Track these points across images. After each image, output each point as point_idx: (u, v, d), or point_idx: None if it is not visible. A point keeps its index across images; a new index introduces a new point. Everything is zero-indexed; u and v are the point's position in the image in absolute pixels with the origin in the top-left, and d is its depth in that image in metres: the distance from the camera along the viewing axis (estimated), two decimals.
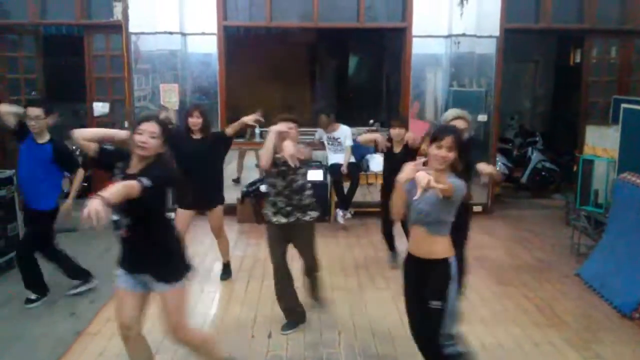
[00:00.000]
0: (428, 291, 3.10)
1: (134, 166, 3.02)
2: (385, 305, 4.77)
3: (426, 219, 3.04)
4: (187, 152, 5.02)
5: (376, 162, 7.62)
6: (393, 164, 5.12)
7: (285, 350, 4.06)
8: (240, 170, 8.49)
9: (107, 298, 4.90)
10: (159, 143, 3.02)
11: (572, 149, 8.82)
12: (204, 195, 5.09)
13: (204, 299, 4.99)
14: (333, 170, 7.33)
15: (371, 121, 9.23)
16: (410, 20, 7.72)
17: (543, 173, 9.39)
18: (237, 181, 8.34)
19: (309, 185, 4.30)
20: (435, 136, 3.04)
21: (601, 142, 6.63)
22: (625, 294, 4.72)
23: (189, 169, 5.10)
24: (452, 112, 4.46)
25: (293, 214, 4.19)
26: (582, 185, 6.48)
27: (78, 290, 5.05)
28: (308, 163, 4.29)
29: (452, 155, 3.00)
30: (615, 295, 4.84)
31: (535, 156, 9.48)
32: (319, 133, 7.70)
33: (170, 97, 7.55)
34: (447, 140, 2.98)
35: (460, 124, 4.21)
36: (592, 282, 5.23)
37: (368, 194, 7.93)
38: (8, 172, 5.72)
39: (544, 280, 5.45)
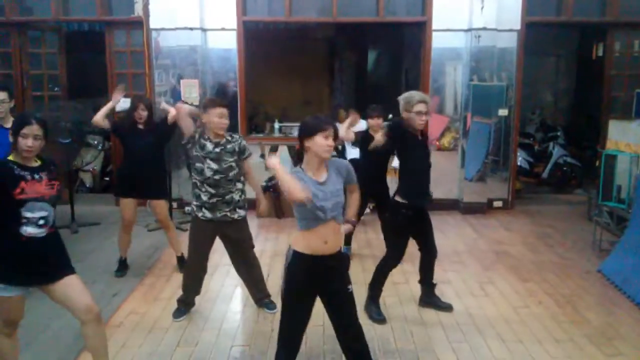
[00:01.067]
0: (341, 281, 3.17)
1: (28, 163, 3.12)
2: (404, 301, 4.77)
3: (340, 211, 3.06)
4: (133, 143, 5.25)
5: (395, 158, 7.59)
6: (372, 154, 5.07)
7: (305, 344, 4.07)
8: None
9: (130, 291, 4.97)
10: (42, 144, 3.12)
11: (594, 144, 8.71)
12: (148, 185, 5.33)
13: (225, 292, 5.03)
14: (352, 165, 7.32)
15: (390, 116, 9.19)
16: (430, 14, 7.67)
17: (564, 168, 9.29)
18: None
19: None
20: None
21: (624, 137, 6.54)
22: None
23: (135, 159, 5.28)
24: (415, 96, 4.35)
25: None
26: (604, 181, 6.40)
27: None
28: None
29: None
30: (637, 291, 4.78)
31: (556, 151, 9.39)
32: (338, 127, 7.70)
33: (190, 93, 7.60)
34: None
35: (422, 107, 4.23)
36: (614, 279, 5.17)
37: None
38: None
39: (566, 276, 5.40)
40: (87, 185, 9.05)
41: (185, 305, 4.51)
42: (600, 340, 4.11)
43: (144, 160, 5.27)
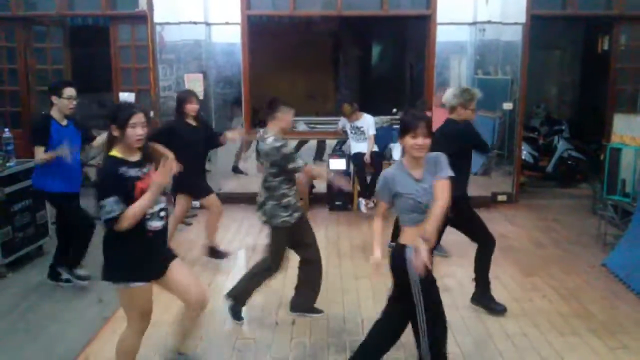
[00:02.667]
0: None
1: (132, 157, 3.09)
2: None
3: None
4: (187, 139, 5.21)
5: (399, 151, 7.58)
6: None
7: (309, 337, 4.10)
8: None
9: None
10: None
11: (599, 138, 8.68)
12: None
13: (229, 286, 5.04)
14: (356, 159, 7.34)
15: (394, 110, 9.19)
16: (434, 8, 7.64)
17: (569, 162, 9.26)
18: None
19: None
20: (408, 125, 3.05)
21: (629, 130, 6.51)
22: None
23: (190, 154, 5.24)
24: (477, 91, 4.46)
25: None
26: (609, 174, 6.38)
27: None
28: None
29: (428, 141, 3.04)
30: None
31: (561, 145, 9.35)
32: (342, 122, 7.71)
33: (195, 87, 7.60)
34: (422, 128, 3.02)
35: (473, 105, 4.32)
36: (619, 272, 5.17)
37: None
38: None
39: (570, 270, 5.39)
40: (92, 180, 9.06)
41: (242, 304, 4.41)
42: (605, 334, 4.11)
43: (199, 154, 5.32)
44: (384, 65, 12.92)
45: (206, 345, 3.98)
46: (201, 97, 7.54)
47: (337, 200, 7.53)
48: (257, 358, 3.79)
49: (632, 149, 6.21)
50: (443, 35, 7.71)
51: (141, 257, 3.06)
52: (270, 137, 4.11)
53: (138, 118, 3.00)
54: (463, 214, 4.34)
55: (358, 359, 3.40)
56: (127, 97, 7.81)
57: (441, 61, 7.81)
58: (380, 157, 7.42)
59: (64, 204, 4.93)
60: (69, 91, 4.74)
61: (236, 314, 4.32)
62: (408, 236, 3.11)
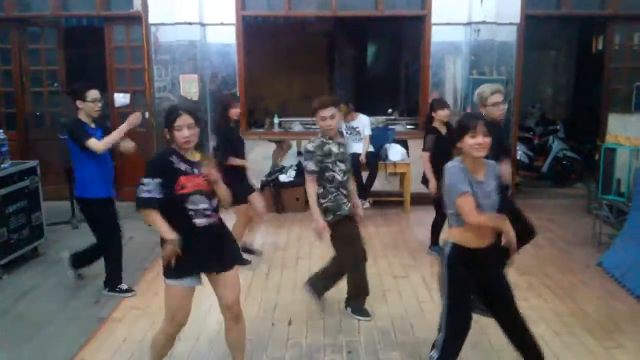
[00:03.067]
0: (496, 273, 3.28)
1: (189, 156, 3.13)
2: (404, 294, 4.78)
3: (493, 209, 3.12)
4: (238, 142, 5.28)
5: (394, 152, 7.60)
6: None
7: (305, 338, 4.10)
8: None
9: (131, 286, 4.97)
10: (198, 132, 3.12)
11: (594, 138, 8.71)
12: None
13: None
14: (351, 159, 7.33)
15: (390, 110, 9.20)
16: (429, 8, 7.66)
17: (564, 162, 9.29)
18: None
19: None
20: (466, 125, 3.06)
21: (624, 130, 6.54)
22: None
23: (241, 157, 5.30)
24: (488, 88, 4.40)
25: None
26: (604, 174, 6.40)
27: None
28: None
29: (488, 140, 3.04)
30: (637, 284, 4.78)
31: (556, 145, 9.38)
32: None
33: (190, 88, 7.60)
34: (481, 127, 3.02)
35: (498, 98, 4.26)
36: (614, 272, 5.18)
37: (387, 183, 7.94)
38: (32, 163, 5.81)
39: (565, 269, 5.41)
40: None
41: (363, 301, 4.44)
42: (600, 333, 4.12)
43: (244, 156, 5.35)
44: (379, 65, 12.92)
45: (202, 345, 3.97)
46: (196, 98, 7.55)
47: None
48: (253, 358, 3.78)
49: (627, 148, 6.23)
50: (438, 35, 7.72)
51: (189, 251, 3.07)
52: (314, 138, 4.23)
53: (183, 120, 3.02)
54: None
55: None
56: (122, 98, 7.79)
57: (436, 61, 7.83)
58: (376, 158, 7.42)
59: (108, 208, 4.82)
60: (93, 94, 4.64)
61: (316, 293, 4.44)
62: (455, 234, 3.15)
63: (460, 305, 3.22)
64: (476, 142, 3.01)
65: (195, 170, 3.10)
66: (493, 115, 4.27)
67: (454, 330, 3.25)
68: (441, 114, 5.63)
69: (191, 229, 3.06)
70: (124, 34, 7.85)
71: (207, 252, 3.13)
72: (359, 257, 4.34)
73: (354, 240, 4.32)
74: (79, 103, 4.61)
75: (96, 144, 4.52)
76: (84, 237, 6.42)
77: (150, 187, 2.96)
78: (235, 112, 5.28)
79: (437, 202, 5.57)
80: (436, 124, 5.66)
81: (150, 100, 7.66)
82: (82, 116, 4.64)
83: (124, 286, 4.88)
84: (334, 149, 4.15)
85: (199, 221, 3.08)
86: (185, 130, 3.02)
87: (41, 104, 8.04)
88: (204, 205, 3.09)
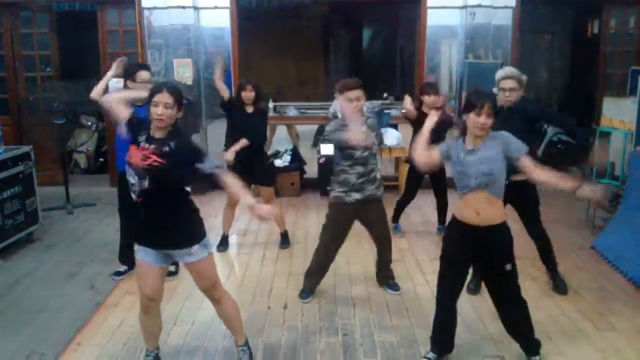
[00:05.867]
0: (498, 257, 3.26)
1: (155, 133, 3.07)
2: (399, 278, 4.80)
3: (490, 181, 3.10)
4: (242, 125, 5.21)
5: (390, 136, 7.60)
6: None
7: (301, 321, 4.12)
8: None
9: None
10: (174, 113, 3.04)
11: (589, 122, 8.72)
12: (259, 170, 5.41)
13: (220, 272, 5.04)
14: None
15: (385, 95, 9.18)
16: None
17: (559, 146, 9.28)
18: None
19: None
20: (474, 102, 3.06)
21: (618, 114, 6.55)
22: None
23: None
24: (501, 72, 4.37)
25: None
26: None
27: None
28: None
29: (491, 121, 3.05)
30: (630, 267, 4.82)
31: (551, 129, 9.37)
32: (333, 107, 7.61)
33: (183, 72, 7.55)
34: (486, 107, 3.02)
35: (507, 84, 4.21)
36: (607, 254, 5.21)
37: (382, 167, 7.93)
38: (25, 148, 5.78)
39: (559, 252, 5.40)
40: (82, 167, 9.02)
41: (311, 287, 4.51)
42: (594, 316, 4.16)
43: (253, 142, 5.27)
44: (374, 49, 12.86)
45: (197, 329, 3.99)
46: (190, 83, 7.51)
47: (328, 185, 7.52)
48: (249, 341, 3.80)
49: (622, 132, 6.24)
50: (433, 18, 7.67)
51: (134, 222, 3.17)
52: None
53: (161, 97, 2.98)
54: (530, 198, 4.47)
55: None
56: (115, 83, 7.71)
57: (432, 45, 7.78)
58: None
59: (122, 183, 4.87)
60: (144, 75, 4.61)
61: (304, 295, 4.47)
62: (455, 207, 3.23)
63: (445, 283, 3.36)
64: (479, 121, 3.02)
65: (146, 145, 3.01)
66: (498, 100, 4.25)
67: (438, 312, 3.40)
68: (426, 100, 5.57)
69: (132, 199, 3.11)
70: (117, 18, 7.78)
71: (142, 227, 3.14)
72: (334, 245, 4.42)
73: (336, 229, 4.38)
74: (129, 83, 4.58)
75: (93, 91, 4.66)
76: (79, 223, 6.45)
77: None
78: (246, 95, 5.26)
79: (412, 179, 5.79)
80: (425, 109, 5.52)
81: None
82: None
83: (121, 268, 4.90)
84: None
85: (132, 195, 3.10)
86: (160, 108, 2.96)
87: (35, 89, 7.98)
88: (132, 180, 3.05)
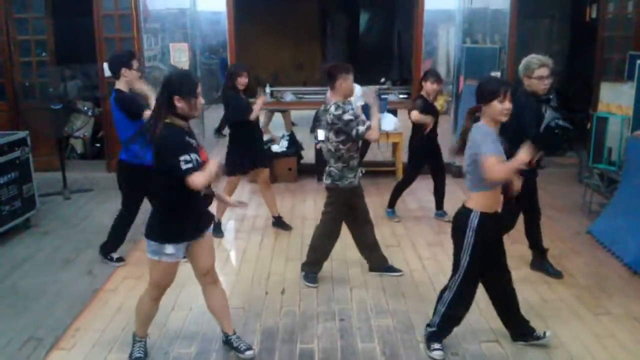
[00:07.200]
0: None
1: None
2: (396, 263, 4.81)
3: None
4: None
5: (387, 121, 7.58)
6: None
7: (298, 306, 4.15)
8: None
9: (124, 256, 4.99)
10: None
11: (586, 106, 8.70)
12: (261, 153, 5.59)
13: (218, 257, 5.06)
14: None
15: (382, 80, 9.15)
16: None
17: (556, 131, 9.27)
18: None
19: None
20: (496, 89, 3.08)
21: (616, 99, 6.53)
22: (637, 251, 4.73)
23: (248, 128, 5.30)
24: (533, 60, 4.38)
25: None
26: (595, 143, 6.42)
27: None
28: None
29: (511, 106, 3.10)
30: (626, 252, 4.85)
31: (548, 114, 9.34)
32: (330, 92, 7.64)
33: (180, 57, 7.51)
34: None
35: (545, 72, 4.29)
36: (604, 240, 5.24)
37: (379, 153, 7.93)
38: (22, 133, 5.76)
39: (555, 237, 5.45)
40: (78, 152, 8.99)
41: (315, 270, 4.54)
42: (589, 300, 4.19)
43: (255, 127, 5.34)
44: (371, 34, 12.80)
45: (195, 314, 4.01)
46: (186, 67, 7.47)
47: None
48: (246, 327, 3.83)
49: (619, 117, 6.24)
50: (431, 3, 7.63)
51: (188, 219, 3.18)
52: (331, 106, 4.20)
53: (199, 88, 3.06)
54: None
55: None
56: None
57: (429, 29, 7.75)
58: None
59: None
60: (137, 63, 4.62)
61: (309, 279, 4.48)
62: (479, 201, 3.21)
63: (475, 276, 3.33)
64: (505, 107, 3.07)
65: (194, 141, 3.12)
66: (536, 89, 4.26)
67: (460, 302, 3.37)
68: (428, 87, 5.66)
69: (198, 194, 3.11)
70: (112, 2, 7.68)
71: (197, 219, 3.21)
72: (333, 234, 4.48)
73: (342, 215, 4.44)
74: (124, 71, 4.53)
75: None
76: (77, 208, 6.45)
77: (191, 159, 2.94)
78: (241, 81, 5.28)
79: (414, 165, 5.87)
80: (424, 93, 5.70)
81: (141, 69, 7.55)
82: (122, 85, 4.58)
83: (115, 255, 4.90)
84: (350, 110, 4.20)
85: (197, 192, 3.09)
86: (201, 98, 3.06)
87: (30, 75, 7.92)
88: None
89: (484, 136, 3.10)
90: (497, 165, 3.00)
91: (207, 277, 3.41)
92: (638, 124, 5.64)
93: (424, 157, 5.86)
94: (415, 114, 5.61)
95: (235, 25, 7.70)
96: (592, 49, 8.50)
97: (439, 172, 5.93)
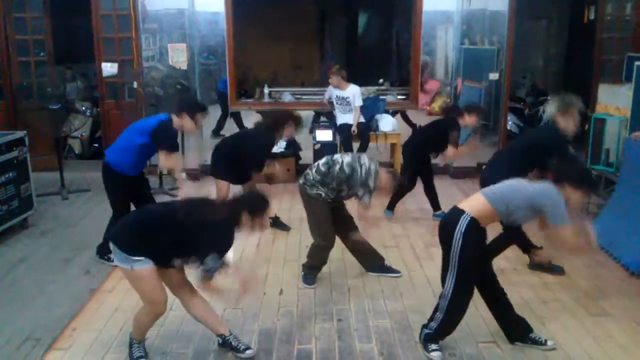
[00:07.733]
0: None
1: None
2: (394, 264, 4.81)
3: None
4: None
5: (386, 122, 7.59)
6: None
7: (296, 307, 4.14)
8: None
9: None
10: None
11: (584, 108, 8.70)
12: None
13: None
14: (342, 130, 7.31)
15: (381, 80, 9.14)
16: None
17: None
18: None
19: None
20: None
21: (613, 101, 6.55)
22: (634, 252, 4.74)
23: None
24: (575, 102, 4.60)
25: None
26: (593, 144, 6.43)
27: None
28: None
29: None
30: (624, 253, 4.85)
31: (546, 115, 9.37)
32: (329, 92, 7.63)
33: (178, 57, 7.50)
34: None
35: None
36: (601, 241, 5.20)
37: (378, 154, 7.92)
38: (20, 133, 5.75)
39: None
40: (76, 152, 8.98)
41: (315, 272, 4.56)
42: (587, 301, 4.19)
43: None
44: (370, 35, 12.78)
45: None
46: (185, 68, 7.47)
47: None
48: (244, 327, 3.82)
49: (617, 119, 6.25)
50: (429, 4, 7.64)
51: None
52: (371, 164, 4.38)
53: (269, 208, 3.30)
54: None
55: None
56: (109, 67, 7.69)
57: (428, 31, 7.76)
58: (367, 128, 7.39)
59: None
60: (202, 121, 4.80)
61: (308, 280, 4.51)
62: (479, 211, 3.26)
63: (470, 277, 3.35)
64: (583, 201, 3.33)
65: None
66: (571, 129, 4.54)
67: (457, 307, 3.38)
68: (468, 121, 5.72)
69: None
70: (111, 2, 7.69)
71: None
72: (327, 239, 4.46)
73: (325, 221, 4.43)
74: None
75: None
76: (74, 208, 6.44)
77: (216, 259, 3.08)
78: (289, 131, 5.43)
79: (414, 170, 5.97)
80: (461, 123, 5.72)
81: (139, 69, 7.57)
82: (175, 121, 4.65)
83: (112, 255, 4.88)
84: None
85: None
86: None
87: (28, 74, 7.91)
88: None
89: (561, 201, 3.24)
90: (575, 236, 3.25)
91: (184, 289, 3.44)
92: (636, 125, 5.65)
93: (419, 164, 5.94)
94: (453, 152, 5.71)
95: (233, 25, 7.70)
96: (589, 50, 8.51)
97: (426, 174, 6.05)
